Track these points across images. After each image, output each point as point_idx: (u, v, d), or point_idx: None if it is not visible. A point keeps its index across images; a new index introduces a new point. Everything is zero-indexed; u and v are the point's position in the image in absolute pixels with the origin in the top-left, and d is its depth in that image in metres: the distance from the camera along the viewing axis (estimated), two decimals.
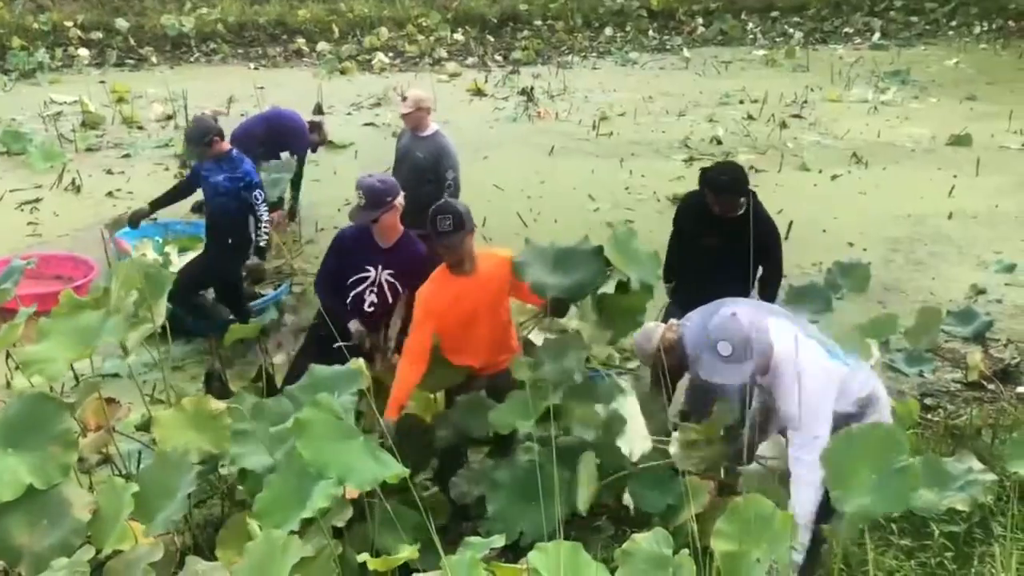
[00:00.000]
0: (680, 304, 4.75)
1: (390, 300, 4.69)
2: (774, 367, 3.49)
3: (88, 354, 3.79)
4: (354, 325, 4.64)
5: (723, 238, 4.90)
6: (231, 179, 6.07)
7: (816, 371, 3.44)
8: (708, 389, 4.13)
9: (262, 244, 6.22)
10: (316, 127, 8.92)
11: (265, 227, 6.16)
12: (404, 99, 6.81)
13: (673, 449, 3.83)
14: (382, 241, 4.65)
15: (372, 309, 4.72)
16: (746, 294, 4.62)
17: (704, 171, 5.04)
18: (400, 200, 4.61)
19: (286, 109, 9.05)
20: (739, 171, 4.96)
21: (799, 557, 3.32)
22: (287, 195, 8.31)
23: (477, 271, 4.30)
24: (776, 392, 3.50)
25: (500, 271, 4.35)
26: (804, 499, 3.35)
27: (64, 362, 3.70)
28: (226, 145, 6.24)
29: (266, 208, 6.16)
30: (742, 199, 4.85)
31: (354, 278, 4.72)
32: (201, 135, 6.14)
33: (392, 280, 4.68)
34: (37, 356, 3.67)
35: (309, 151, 8.89)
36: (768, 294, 4.95)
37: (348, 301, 4.73)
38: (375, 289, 4.69)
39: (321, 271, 4.98)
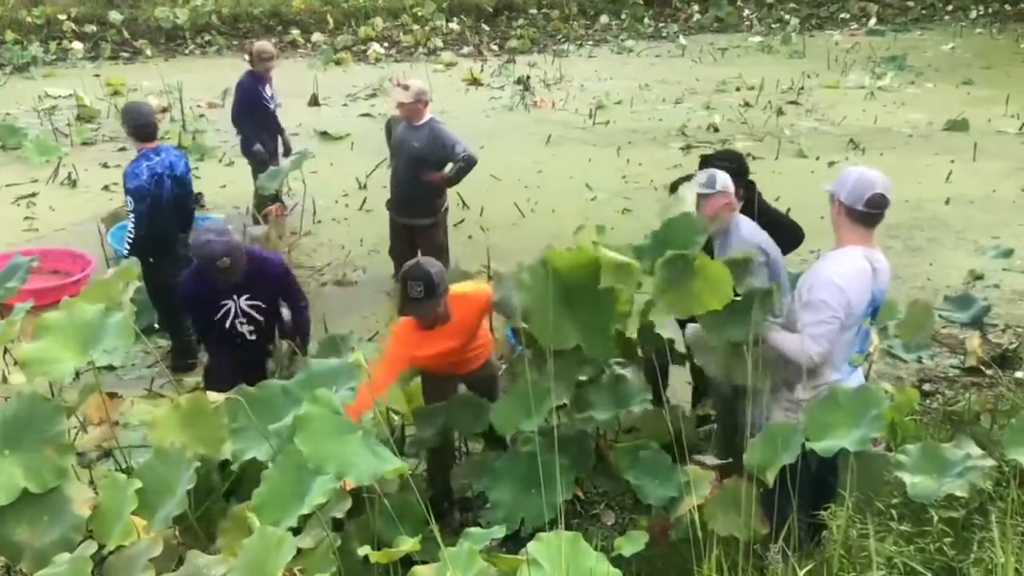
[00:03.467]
0: None
1: (263, 320, 4.48)
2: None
3: (93, 356, 3.52)
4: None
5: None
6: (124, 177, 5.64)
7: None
8: None
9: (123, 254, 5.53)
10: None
11: (128, 236, 5.52)
12: (406, 88, 6.73)
13: None
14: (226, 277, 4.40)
15: (254, 336, 4.55)
16: None
17: (705, 158, 5.06)
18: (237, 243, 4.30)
19: None
20: (740, 157, 5.01)
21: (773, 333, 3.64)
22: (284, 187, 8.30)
23: (451, 318, 4.10)
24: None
25: (475, 310, 4.21)
26: (784, 339, 3.61)
27: (67, 362, 3.46)
28: (145, 143, 5.65)
29: (134, 219, 5.47)
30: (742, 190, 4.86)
31: (218, 316, 4.50)
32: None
33: (254, 302, 4.47)
34: (39, 356, 3.45)
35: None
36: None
37: (230, 337, 4.53)
38: (243, 320, 4.49)
39: (193, 325, 4.76)
